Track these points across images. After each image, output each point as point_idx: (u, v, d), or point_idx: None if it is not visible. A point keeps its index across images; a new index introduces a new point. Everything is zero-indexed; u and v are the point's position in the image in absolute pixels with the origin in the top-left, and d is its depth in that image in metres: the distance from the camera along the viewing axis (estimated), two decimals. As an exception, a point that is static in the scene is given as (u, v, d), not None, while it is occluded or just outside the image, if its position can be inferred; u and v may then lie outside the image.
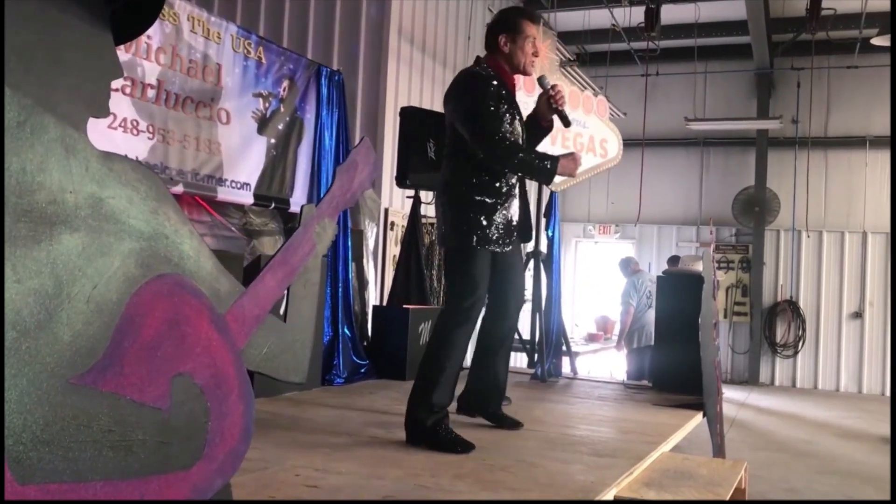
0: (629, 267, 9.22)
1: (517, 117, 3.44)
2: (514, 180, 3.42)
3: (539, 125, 3.60)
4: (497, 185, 3.33)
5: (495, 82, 3.35)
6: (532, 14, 3.58)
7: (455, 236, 3.33)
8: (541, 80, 3.56)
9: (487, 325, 3.59)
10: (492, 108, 3.29)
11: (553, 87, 3.51)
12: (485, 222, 3.29)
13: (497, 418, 3.66)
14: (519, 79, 3.84)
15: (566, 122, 3.53)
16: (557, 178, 5.92)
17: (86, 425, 1.02)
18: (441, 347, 3.29)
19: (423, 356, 3.38)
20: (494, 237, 3.31)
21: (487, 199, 3.30)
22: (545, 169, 3.31)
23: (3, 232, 0.96)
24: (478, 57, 3.55)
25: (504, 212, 3.34)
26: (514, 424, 3.66)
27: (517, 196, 3.44)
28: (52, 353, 1.00)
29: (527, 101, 5.46)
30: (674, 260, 9.55)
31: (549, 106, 3.49)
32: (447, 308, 3.39)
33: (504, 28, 3.45)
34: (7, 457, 0.93)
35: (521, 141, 3.45)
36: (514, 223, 3.41)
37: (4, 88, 0.99)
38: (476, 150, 3.29)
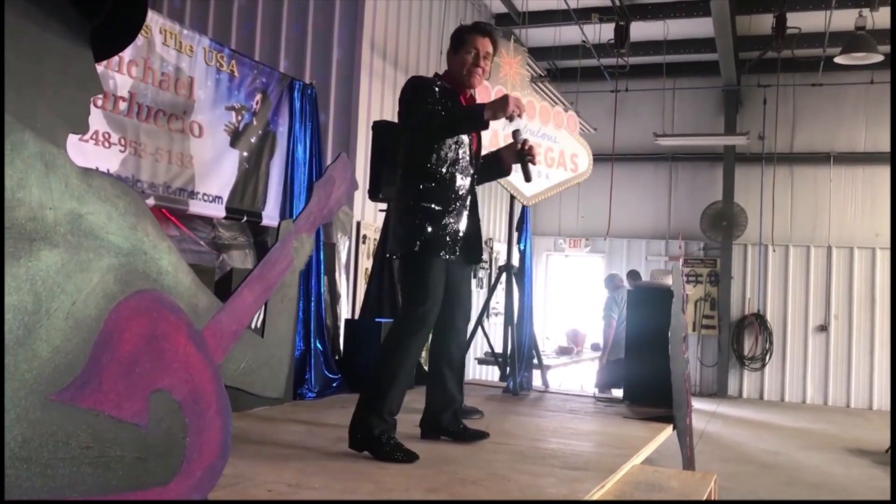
0: (613, 283, 9.42)
1: None
2: (463, 192, 3.43)
3: (498, 164, 3.65)
4: (444, 193, 3.36)
5: (437, 87, 3.39)
6: (478, 27, 3.57)
7: (402, 243, 3.37)
8: (515, 134, 3.52)
9: (438, 345, 3.60)
10: (421, 100, 3.32)
11: (525, 141, 3.48)
12: (430, 229, 3.30)
13: (458, 434, 3.65)
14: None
15: (527, 178, 3.49)
16: (528, 192, 6.03)
17: (64, 442, 1.02)
18: (394, 356, 3.30)
19: (375, 364, 3.37)
20: (440, 244, 3.32)
21: (434, 206, 3.32)
22: (472, 114, 3.30)
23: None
24: (436, 73, 3.61)
25: (451, 221, 3.36)
26: (478, 436, 3.66)
27: (467, 209, 3.46)
28: (31, 370, 1.00)
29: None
30: (633, 274, 9.73)
31: (519, 158, 3.46)
32: (401, 316, 3.42)
33: (451, 42, 3.54)
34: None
35: (469, 153, 3.46)
36: (461, 235, 3.42)
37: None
38: (409, 133, 3.37)
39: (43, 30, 1.08)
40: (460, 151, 3.43)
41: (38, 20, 1.07)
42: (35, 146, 1.01)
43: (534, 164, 3.47)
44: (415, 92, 3.42)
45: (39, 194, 1.02)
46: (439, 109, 3.31)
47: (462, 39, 3.49)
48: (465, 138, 3.44)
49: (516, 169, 3.59)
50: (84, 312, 1.06)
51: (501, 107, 3.22)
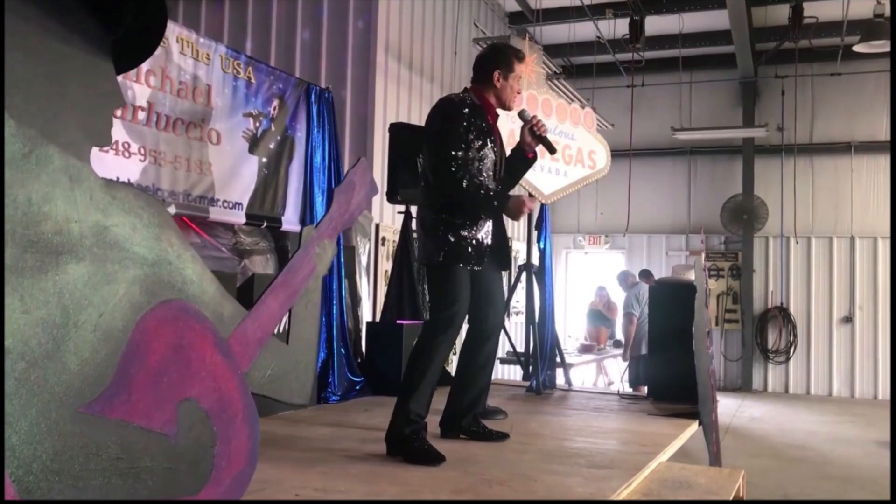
0: (627, 280, 9.45)
1: (490, 146, 3.52)
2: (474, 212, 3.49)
3: (523, 157, 3.70)
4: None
5: (467, 110, 3.45)
6: (521, 53, 3.75)
7: (426, 254, 3.48)
8: (521, 114, 3.70)
9: (466, 348, 3.67)
10: (457, 136, 3.38)
11: (534, 116, 3.65)
12: (452, 239, 3.40)
13: (478, 434, 3.68)
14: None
15: (551, 150, 3.69)
16: (547, 191, 6.00)
17: (95, 454, 1.02)
18: (421, 357, 3.40)
19: (406, 367, 3.47)
20: (463, 255, 3.40)
21: (455, 220, 3.41)
22: (489, 205, 3.39)
23: (2, 258, 0.97)
24: (465, 88, 3.68)
25: (473, 232, 3.43)
26: (499, 437, 3.68)
27: (490, 219, 3.51)
28: (61, 383, 1.00)
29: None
30: (646, 273, 9.71)
31: (534, 135, 3.61)
32: (429, 320, 3.53)
33: (499, 64, 3.61)
34: (17, 487, 0.93)
35: (493, 168, 3.53)
36: (486, 244, 3.49)
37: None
38: (432, 174, 3.42)
39: (65, 45, 1.08)
40: (484, 166, 3.49)
41: (60, 35, 1.07)
42: (60, 160, 1.02)
43: (545, 132, 3.63)
44: (441, 112, 3.49)
45: (65, 208, 1.02)
46: (475, 178, 3.37)
47: (513, 67, 3.61)
48: (490, 157, 3.51)
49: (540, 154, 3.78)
50: (111, 324, 1.06)
51: (515, 214, 3.39)
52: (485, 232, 3.48)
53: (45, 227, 0.99)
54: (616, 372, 10.44)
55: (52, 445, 0.98)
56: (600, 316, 10.56)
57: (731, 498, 3.19)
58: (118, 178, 4.15)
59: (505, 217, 3.58)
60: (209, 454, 1.18)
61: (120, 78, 3.99)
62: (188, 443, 1.15)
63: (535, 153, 3.72)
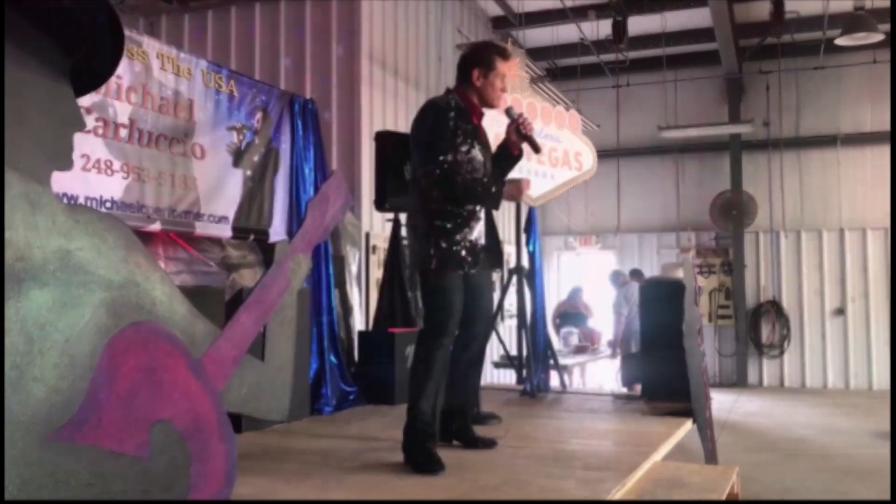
0: (618, 279, 9.50)
1: (477, 147, 3.50)
2: (474, 207, 3.48)
3: (509, 155, 3.70)
4: (456, 210, 3.41)
5: (453, 113, 3.44)
6: (504, 51, 3.71)
7: (420, 261, 3.44)
8: (508, 112, 3.67)
9: (456, 349, 3.63)
10: (441, 140, 3.36)
11: (520, 115, 3.64)
12: (445, 245, 3.37)
13: (468, 440, 3.69)
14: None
15: (536, 149, 3.65)
16: (534, 193, 6.00)
17: (64, 481, 1.01)
18: (421, 367, 3.40)
19: (409, 378, 3.49)
20: (458, 260, 3.38)
21: (447, 224, 3.39)
22: (487, 192, 3.40)
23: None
24: (447, 88, 3.66)
25: (467, 235, 3.41)
26: (486, 444, 3.68)
27: (481, 219, 3.51)
28: (26, 411, 0.99)
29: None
30: (636, 273, 9.76)
31: (519, 133, 3.59)
32: (423, 328, 3.51)
33: (479, 63, 3.58)
34: (-16, 519, 0.92)
35: (481, 169, 3.51)
36: (480, 246, 3.47)
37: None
38: (420, 177, 3.41)
39: (23, 69, 1.08)
40: (473, 167, 3.46)
41: (18, 59, 1.06)
42: (19, 186, 1.01)
43: (531, 131, 3.62)
44: (427, 116, 3.48)
45: (26, 234, 1.01)
46: (467, 178, 3.38)
47: (493, 65, 3.57)
48: (478, 157, 3.48)
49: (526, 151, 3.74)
50: (78, 349, 1.05)
51: (515, 196, 3.53)
52: (478, 233, 3.47)
53: (5, 254, 0.98)
54: (597, 374, 10.47)
55: (19, 475, 0.97)
56: (582, 317, 10.65)
57: (724, 496, 3.20)
58: (101, 197, 4.13)
59: (495, 216, 3.60)
60: (185, 475, 1.17)
61: (100, 96, 3.99)
62: (163, 465, 1.14)
63: (520, 150, 3.71)
